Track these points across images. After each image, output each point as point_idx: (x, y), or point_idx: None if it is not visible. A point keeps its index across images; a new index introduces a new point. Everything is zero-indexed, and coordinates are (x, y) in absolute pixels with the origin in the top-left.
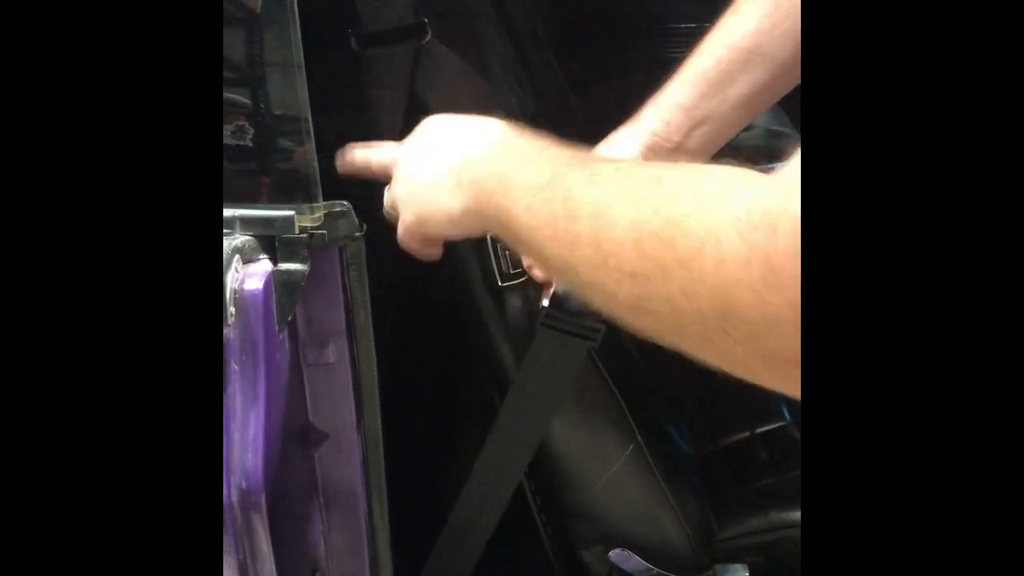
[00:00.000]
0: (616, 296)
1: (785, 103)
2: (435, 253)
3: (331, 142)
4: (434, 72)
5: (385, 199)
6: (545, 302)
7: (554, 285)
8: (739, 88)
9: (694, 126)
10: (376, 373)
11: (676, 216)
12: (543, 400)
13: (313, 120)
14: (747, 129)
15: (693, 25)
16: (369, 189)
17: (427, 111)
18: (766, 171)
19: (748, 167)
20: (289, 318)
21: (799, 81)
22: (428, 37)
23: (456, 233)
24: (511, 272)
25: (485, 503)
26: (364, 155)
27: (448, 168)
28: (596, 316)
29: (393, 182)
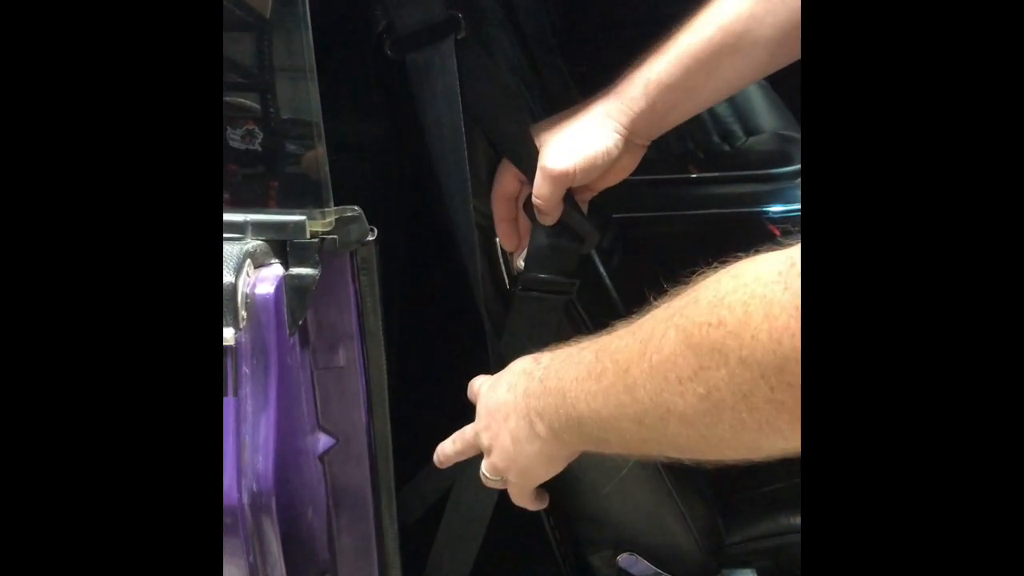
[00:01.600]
0: (685, 412)
1: (795, 108)
2: (546, 501)
3: (347, 147)
4: (474, 74)
5: (483, 469)
6: (520, 264)
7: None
8: (724, 72)
9: (675, 105)
10: (386, 377)
11: (718, 298)
12: None
13: (328, 125)
14: (756, 134)
15: None
16: (381, 194)
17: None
18: (776, 176)
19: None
20: (300, 322)
21: (775, 69)
22: (462, 33)
23: (557, 467)
24: (519, 275)
25: (480, 487)
26: (451, 447)
27: (516, 417)
28: (570, 273)
29: (485, 455)
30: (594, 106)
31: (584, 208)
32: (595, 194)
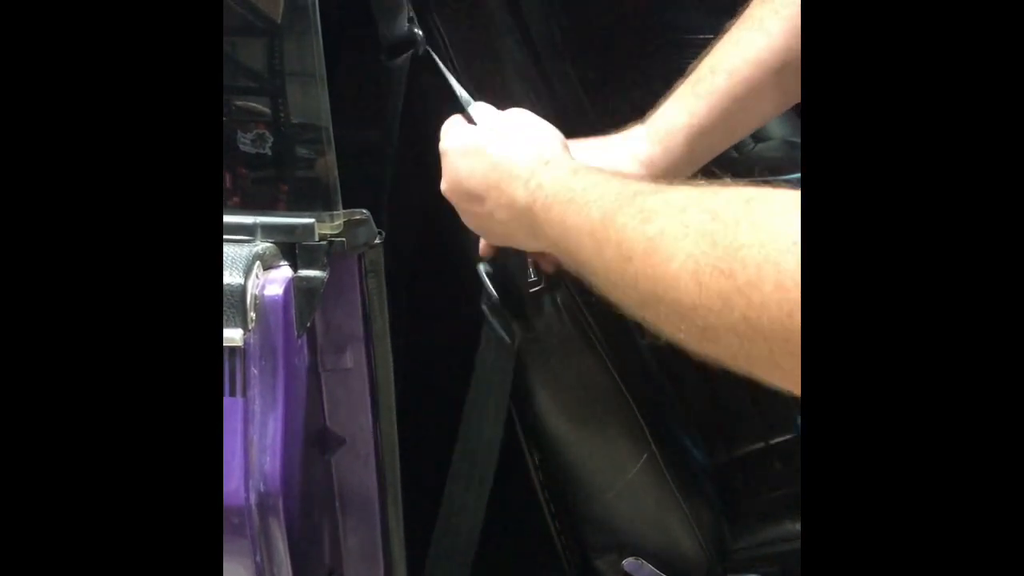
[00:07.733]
0: (680, 329)
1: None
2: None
3: (356, 150)
4: (429, 88)
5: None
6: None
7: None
8: (765, 106)
9: (712, 148)
10: (393, 379)
11: (734, 247)
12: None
13: (336, 130)
14: (764, 140)
15: (711, 36)
16: (389, 197)
17: (425, 129)
18: (784, 183)
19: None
20: (308, 324)
21: None
22: (420, 50)
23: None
24: (527, 280)
25: (469, 484)
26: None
27: (508, 209)
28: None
29: (445, 175)
30: (617, 134)
31: None
32: None
